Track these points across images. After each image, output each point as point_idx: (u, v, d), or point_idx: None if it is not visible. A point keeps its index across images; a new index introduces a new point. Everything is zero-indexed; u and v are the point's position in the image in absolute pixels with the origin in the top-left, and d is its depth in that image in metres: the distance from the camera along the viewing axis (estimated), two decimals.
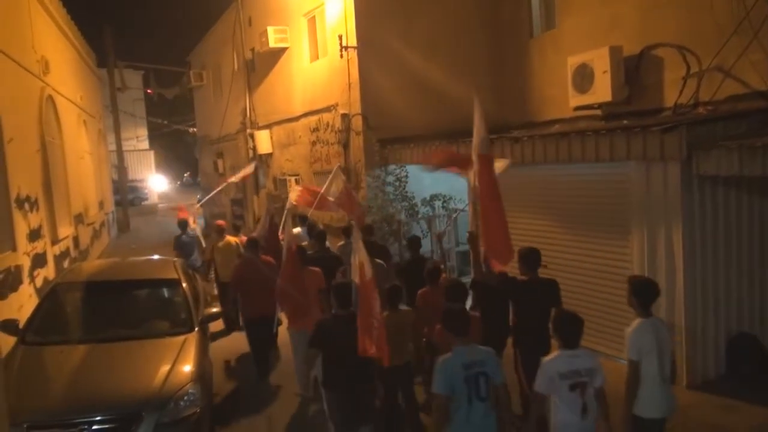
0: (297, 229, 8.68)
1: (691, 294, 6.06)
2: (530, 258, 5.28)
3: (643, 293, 4.10)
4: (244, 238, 8.19)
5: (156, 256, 8.43)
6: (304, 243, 7.59)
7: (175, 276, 6.53)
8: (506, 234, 5.27)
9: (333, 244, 8.51)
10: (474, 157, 5.35)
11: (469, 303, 5.21)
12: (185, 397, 4.84)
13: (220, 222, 10.06)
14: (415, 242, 6.88)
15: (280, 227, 8.19)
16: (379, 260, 6.42)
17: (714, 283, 6.20)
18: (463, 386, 3.65)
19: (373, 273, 4.74)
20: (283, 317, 6.80)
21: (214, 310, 6.42)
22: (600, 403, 3.75)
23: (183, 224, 10.23)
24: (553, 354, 3.86)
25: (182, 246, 9.98)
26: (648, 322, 4.05)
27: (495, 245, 5.23)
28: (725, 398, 5.80)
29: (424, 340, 5.42)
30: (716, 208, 6.16)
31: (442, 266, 6.26)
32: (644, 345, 3.97)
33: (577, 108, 8.70)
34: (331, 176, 8.78)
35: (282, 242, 6.90)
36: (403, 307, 5.18)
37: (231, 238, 9.33)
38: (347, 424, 4.70)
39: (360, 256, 4.72)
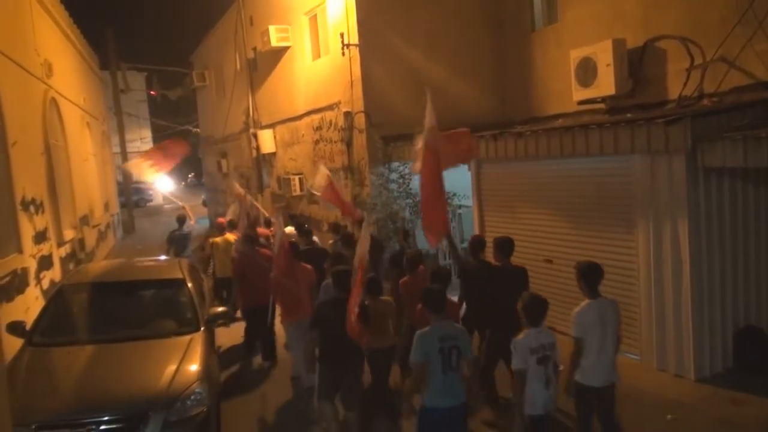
0: (290, 228, 9.00)
1: (698, 287, 6.03)
2: (505, 246, 5.80)
3: (589, 276, 4.58)
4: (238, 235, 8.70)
5: (163, 257, 8.54)
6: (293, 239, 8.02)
7: (181, 276, 6.54)
8: (443, 215, 5.94)
9: (324, 241, 9.06)
10: (422, 146, 5.91)
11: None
12: (192, 397, 4.84)
13: (221, 219, 10.47)
14: (408, 235, 7.47)
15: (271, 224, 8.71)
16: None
17: (721, 275, 6.16)
18: (437, 356, 4.14)
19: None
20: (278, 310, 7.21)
21: (220, 309, 6.41)
22: (556, 375, 4.35)
23: (181, 220, 10.70)
24: (523, 332, 4.30)
25: (176, 241, 10.39)
26: (594, 302, 4.51)
27: (432, 224, 5.81)
28: (733, 391, 5.77)
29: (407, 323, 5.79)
30: (722, 200, 6.12)
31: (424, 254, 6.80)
32: (587, 323, 4.45)
33: (581, 102, 8.66)
34: (318, 176, 9.15)
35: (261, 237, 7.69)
36: (384, 297, 5.56)
37: (230, 235, 9.56)
38: (332, 397, 5.11)
39: (362, 247, 5.03)
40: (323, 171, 8.94)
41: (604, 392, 4.48)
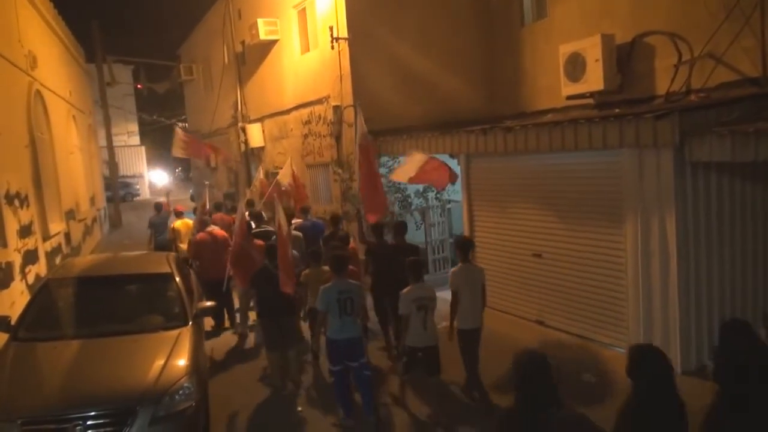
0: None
1: (685, 280, 6.08)
2: (399, 227, 7.48)
3: (463, 246, 6.14)
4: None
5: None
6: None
7: (168, 270, 6.49)
8: (381, 196, 7.78)
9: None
10: (357, 146, 7.82)
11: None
12: (180, 391, 4.82)
13: (179, 207, 11.88)
14: (340, 220, 8.92)
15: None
16: (296, 232, 8.56)
17: (707, 269, 6.22)
18: (336, 305, 5.56)
19: (289, 232, 6.94)
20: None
21: (209, 304, 6.49)
22: (363, 314, 5.94)
23: (158, 207, 12.28)
24: (408, 288, 5.68)
25: (155, 225, 11.99)
26: (464, 266, 5.99)
27: (373, 205, 7.59)
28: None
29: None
30: (709, 194, 6.17)
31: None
32: (459, 282, 5.91)
33: (570, 97, 8.69)
34: (284, 168, 10.80)
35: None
36: (324, 267, 6.68)
37: (188, 221, 10.84)
38: (275, 345, 6.53)
39: (280, 218, 6.68)
40: (291, 166, 10.61)
41: (474, 333, 5.94)
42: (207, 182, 13.42)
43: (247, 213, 10.75)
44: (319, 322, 5.86)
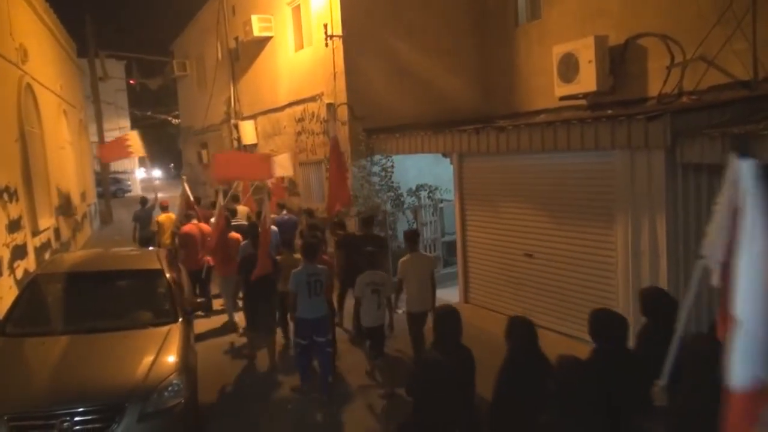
0: (242, 207, 10.92)
1: (674, 280, 6.11)
2: (368, 220, 8.33)
3: (410, 238, 6.89)
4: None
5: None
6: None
7: (158, 266, 6.46)
8: (347, 190, 9.14)
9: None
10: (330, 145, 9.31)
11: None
12: (169, 388, 4.79)
13: (164, 201, 12.33)
14: (313, 215, 9.96)
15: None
16: (275, 227, 9.02)
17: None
18: (305, 287, 6.18)
19: (269, 225, 7.54)
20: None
21: (199, 300, 6.50)
22: (388, 303, 6.44)
23: (143, 201, 13.20)
24: (364, 273, 6.40)
25: (140, 218, 12.57)
26: (412, 256, 6.64)
27: (338, 195, 8.76)
28: None
29: None
30: (700, 195, 6.20)
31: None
32: (406, 270, 6.57)
33: (563, 98, 8.72)
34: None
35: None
36: (296, 254, 7.33)
37: (172, 214, 11.51)
38: (255, 325, 7.33)
39: (265, 212, 7.55)
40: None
41: (421, 316, 6.52)
42: (184, 176, 13.60)
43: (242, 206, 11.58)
44: (291, 302, 6.36)
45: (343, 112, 10.51)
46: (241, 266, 7.34)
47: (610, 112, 7.26)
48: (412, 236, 6.92)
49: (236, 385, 6.83)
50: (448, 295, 9.01)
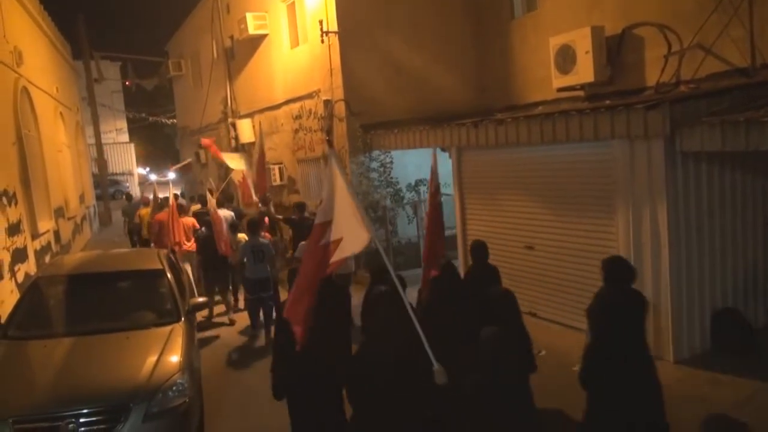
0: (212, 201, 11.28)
1: (676, 270, 6.12)
2: (300, 206, 9.79)
3: (251, 227, 8.02)
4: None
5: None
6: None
7: (159, 266, 6.43)
8: (265, 180, 11.58)
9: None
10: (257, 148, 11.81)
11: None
12: (174, 388, 4.77)
13: (146, 196, 13.64)
14: (268, 200, 11.22)
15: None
16: (228, 213, 10.24)
17: (699, 258, 6.26)
18: (251, 255, 7.85)
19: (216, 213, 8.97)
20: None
21: (201, 300, 6.50)
22: (271, 262, 7.97)
23: (129, 196, 15.08)
24: (247, 239, 8.03)
25: (126, 213, 14.38)
26: (249, 241, 7.95)
27: (261, 186, 11.14)
28: (711, 372, 5.88)
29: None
30: (700, 184, 6.20)
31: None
32: (244, 249, 7.96)
33: (560, 89, 8.70)
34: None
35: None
36: (262, 239, 8.26)
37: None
38: (213, 288, 9.13)
39: (211, 203, 9.24)
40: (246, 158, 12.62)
41: (265, 283, 7.86)
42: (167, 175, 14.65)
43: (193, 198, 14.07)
44: (239, 266, 8.27)
45: (340, 109, 10.49)
46: (199, 244, 9.30)
47: (608, 102, 7.25)
48: (254, 224, 8.10)
49: (241, 383, 6.82)
50: None
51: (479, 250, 5.83)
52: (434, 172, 5.67)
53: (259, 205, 11.26)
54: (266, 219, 10.00)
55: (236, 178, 12.22)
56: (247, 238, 8.30)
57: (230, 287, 9.30)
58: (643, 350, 4.32)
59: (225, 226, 8.88)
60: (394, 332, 3.53)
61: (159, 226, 10.22)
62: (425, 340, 3.41)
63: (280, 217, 10.70)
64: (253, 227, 8.02)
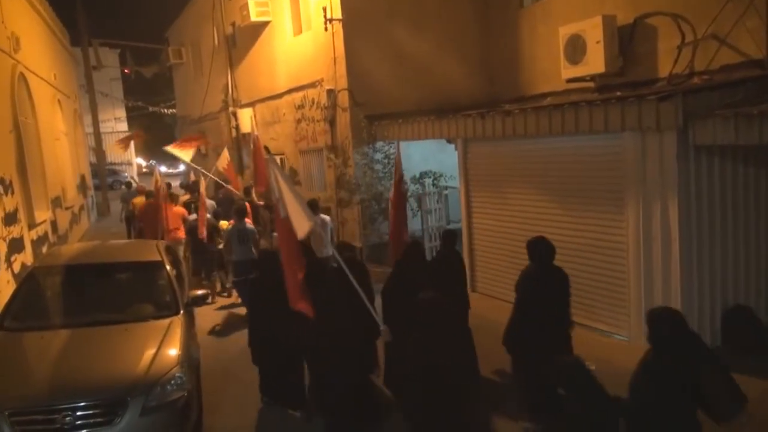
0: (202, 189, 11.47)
1: (687, 265, 6.00)
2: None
3: (238, 213, 8.67)
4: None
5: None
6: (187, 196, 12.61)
7: (158, 258, 6.30)
8: (265, 172, 10.14)
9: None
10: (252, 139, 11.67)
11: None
12: (172, 381, 4.68)
13: (140, 186, 14.45)
14: (250, 192, 11.46)
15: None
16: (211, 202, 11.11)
17: (710, 254, 6.14)
18: (236, 238, 8.42)
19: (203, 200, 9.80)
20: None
21: (200, 292, 6.44)
22: (255, 245, 8.55)
23: (128, 184, 16.04)
24: (232, 225, 8.56)
25: (124, 199, 14.64)
26: (235, 225, 8.53)
27: (261, 179, 10.62)
28: None
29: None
30: (712, 178, 6.07)
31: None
32: (230, 235, 8.56)
33: (570, 80, 8.55)
34: (221, 156, 12.26)
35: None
36: (248, 224, 8.88)
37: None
38: (199, 269, 9.75)
39: (201, 190, 10.04)
40: (225, 154, 12.20)
41: (249, 264, 8.05)
42: (152, 162, 14.68)
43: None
44: (226, 249, 8.82)
45: (343, 98, 10.32)
46: (187, 231, 9.98)
47: (619, 93, 7.10)
48: (240, 211, 8.66)
49: (240, 377, 6.70)
50: None
51: (449, 237, 6.35)
52: (398, 163, 6.92)
53: (243, 194, 11.71)
54: (248, 205, 10.21)
55: (221, 165, 12.21)
56: (228, 225, 9.03)
57: (214, 271, 9.87)
58: (564, 319, 5.03)
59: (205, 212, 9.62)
60: (337, 302, 4.50)
61: (145, 212, 10.89)
62: (371, 306, 4.48)
63: (262, 202, 11.08)
64: (240, 213, 8.74)
